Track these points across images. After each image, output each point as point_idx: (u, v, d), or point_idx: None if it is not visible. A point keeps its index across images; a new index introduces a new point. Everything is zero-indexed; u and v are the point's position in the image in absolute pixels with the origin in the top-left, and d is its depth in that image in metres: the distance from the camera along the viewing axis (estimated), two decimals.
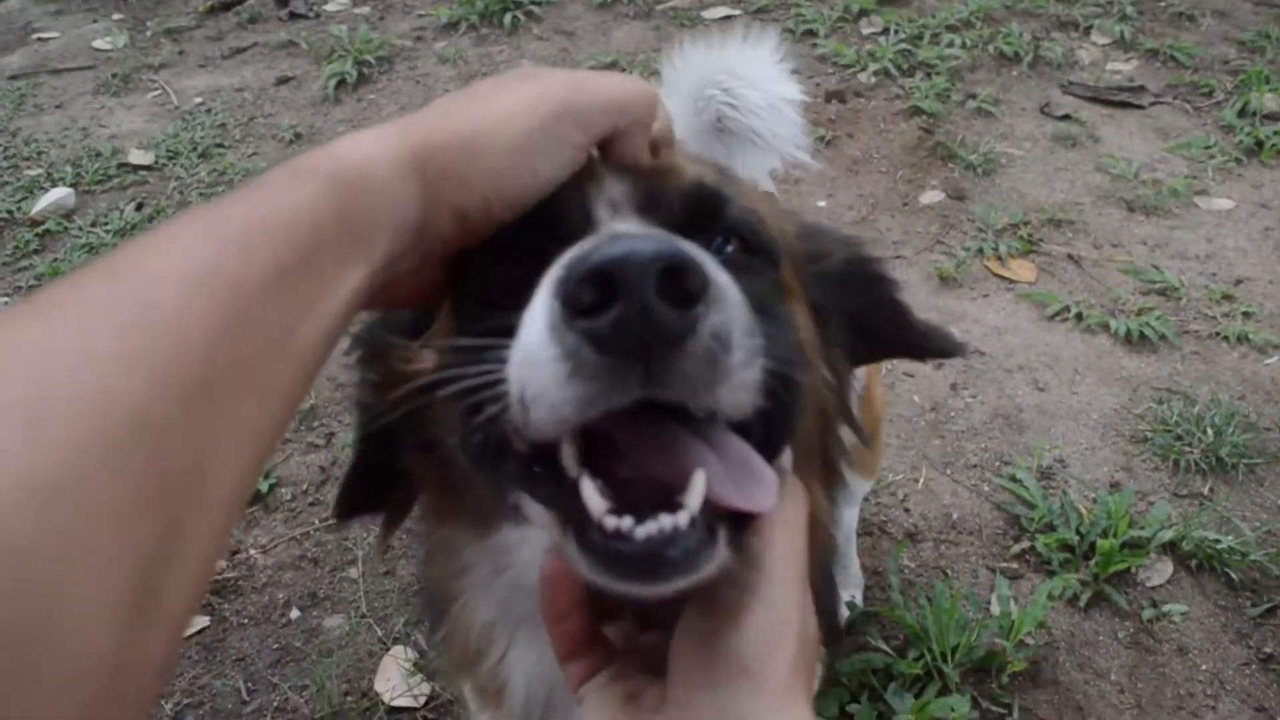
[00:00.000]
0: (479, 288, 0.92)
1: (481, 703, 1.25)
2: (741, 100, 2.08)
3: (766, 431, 0.85)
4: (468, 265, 0.92)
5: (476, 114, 0.85)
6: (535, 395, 0.73)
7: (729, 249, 0.96)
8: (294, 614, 2.67)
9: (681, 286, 0.69)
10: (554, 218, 0.90)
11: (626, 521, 0.74)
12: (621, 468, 0.79)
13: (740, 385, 0.74)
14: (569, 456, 0.79)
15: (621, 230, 0.79)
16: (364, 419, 1.12)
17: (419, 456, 1.06)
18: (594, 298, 0.69)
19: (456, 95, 0.89)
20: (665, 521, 0.74)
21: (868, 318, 1.19)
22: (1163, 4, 5.95)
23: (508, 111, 0.85)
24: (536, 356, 0.72)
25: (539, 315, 0.74)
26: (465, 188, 0.83)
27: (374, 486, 1.16)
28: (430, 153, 0.81)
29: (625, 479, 0.79)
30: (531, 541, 0.99)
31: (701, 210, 0.95)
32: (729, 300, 0.73)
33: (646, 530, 0.74)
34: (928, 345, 1.28)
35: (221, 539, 0.63)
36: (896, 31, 5.43)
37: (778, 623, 0.83)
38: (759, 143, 2.12)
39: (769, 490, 0.79)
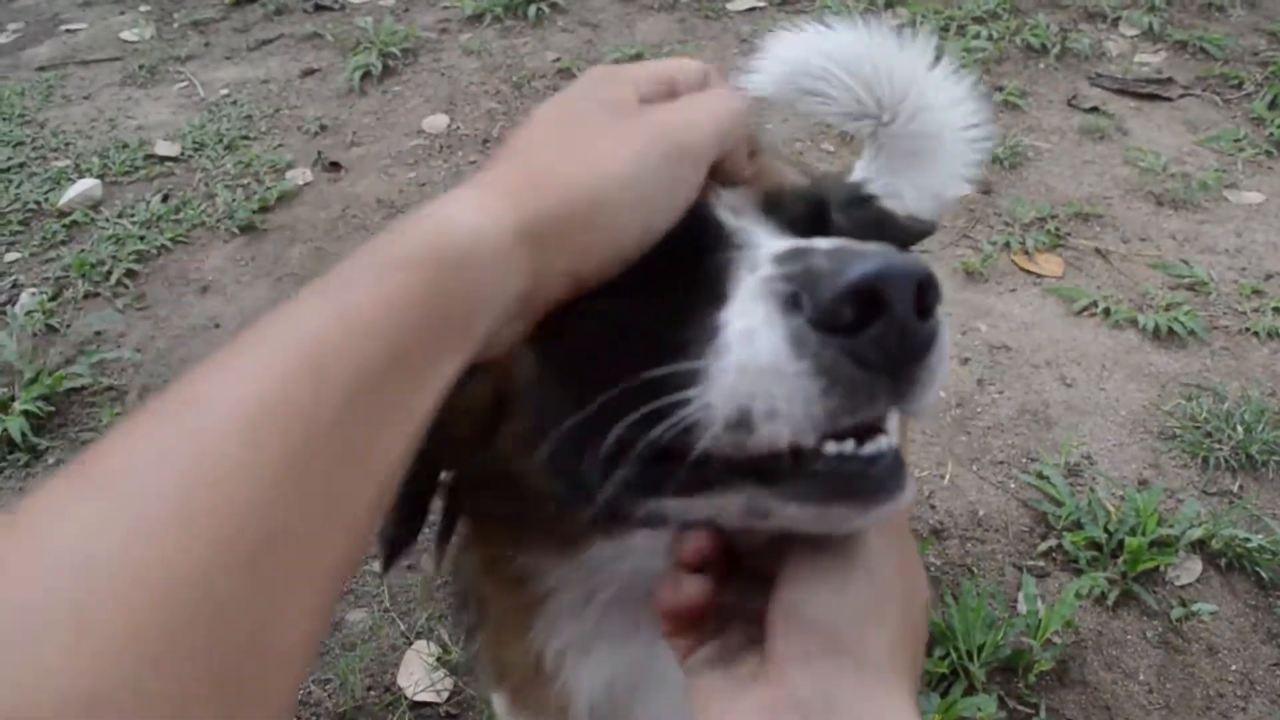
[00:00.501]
0: (598, 312, 0.86)
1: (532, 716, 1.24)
2: (925, 125, 1.94)
3: None
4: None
5: (589, 174, 0.79)
6: (772, 411, 0.73)
7: None
8: None
9: (926, 300, 0.71)
10: (682, 232, 0.87)
11: (849, 445, 0.76)
12: None
13: (940, 385, 0.78)
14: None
15: (854, 245, 0.77)
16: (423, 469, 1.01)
17: (487, 492, 1.04)
18: (854, 315, 0.70)
19: (551, 138, 0.84)
20: (882, 442, 0.77)
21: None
22: None
23: (623, 168, 0.80)
24: (777, 371, 0.72)
25: (768, 331, 0.73)
26: (584, 255, 0.79)
27: (412, 523, 1.11)
28: (545, 225, 0.75)
29: None
30: (635, 551, 0.98)
31: (816, 212, 0.98)
32: (944, 313, 0.76)
33: (869, 450, 0.76)
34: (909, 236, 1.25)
35: (291, 692, 0.58)
36: (923, 23, 5.39)
37: (878, 598, 0.81)
38: (931, 167, 1.99)
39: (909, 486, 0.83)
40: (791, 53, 1.96)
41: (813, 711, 0.75)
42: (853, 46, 1.94)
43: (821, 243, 0.79)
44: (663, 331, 0.82)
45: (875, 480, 0.77)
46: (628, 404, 0.80)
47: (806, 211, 0.96)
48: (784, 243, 0.83)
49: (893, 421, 0.80)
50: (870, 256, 0.71)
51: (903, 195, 1.94)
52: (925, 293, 0.71)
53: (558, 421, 0.86)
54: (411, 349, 0.65)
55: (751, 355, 0.74)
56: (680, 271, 0.85)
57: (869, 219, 1.14)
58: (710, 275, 0.83)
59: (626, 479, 0.84)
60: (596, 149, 0.81)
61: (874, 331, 0.70)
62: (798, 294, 0.73)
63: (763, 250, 0.82)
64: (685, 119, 0.86)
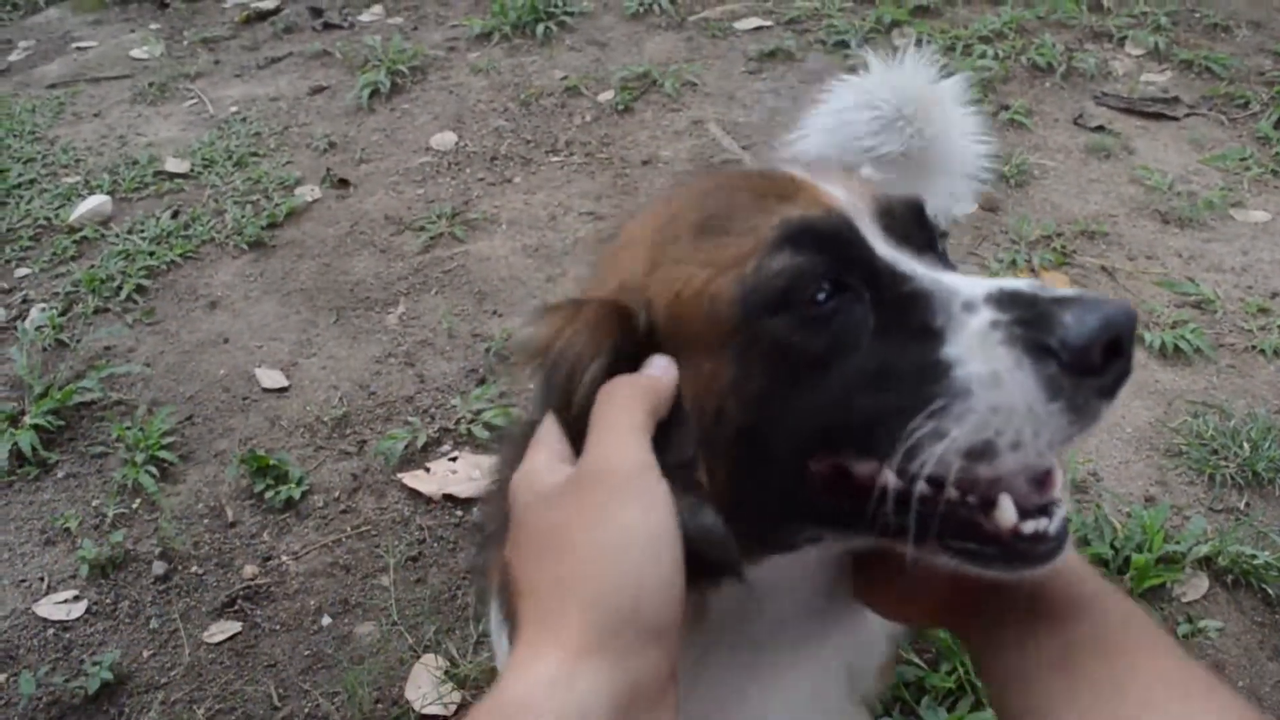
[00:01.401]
0: (792, 338, 0.94)
1: None
2: (939, 132, 2.07)
3: None
4: (756, 315, 0.95)
5: (611, 569, 0.83)
6: (1017, 443, 0.85)
7: (943, 249, 1.10)
8: (325, 621, 2.68)
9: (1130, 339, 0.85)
10: (838, 241, 0.97)
11: (1043, 523, 0.91)
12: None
13: None
14: (1009, 511, 0.92)
15: (1069, 294, 0.87)
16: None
17: None
18: (1101, 359, 0.82)
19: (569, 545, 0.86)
20: (1063, 512, 0.94)
21: None
22: (1197, 15, 5.90)
23: (609, 535, 0.85)
24: (1030, 411, 0.84)
25: (1017, 375, 0.84)
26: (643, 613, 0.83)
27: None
28: (601, 644, 0.81)
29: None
30: (787, 571, 1.07)
31: (924, 221, 1.08)
32: None
33: (1057, 526, 0.92)
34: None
35: None
36: (929, 43, 5.41)
37: None
38: (947, 173, 2.12)
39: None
40: (834, 116, 2.08)
41: None
42: (885, 88, 2.05)
43: (1023, 287, 0.89)
44: (862, 365, 0.92)
45: (1053, 551, 0.93)
46: (839, 442, 0.93)
47: (911, 219, 1.06)
48: (976, 284, 0.92)
49: (1062, 486, 0.95)
50: (1096, 305, 0.83)
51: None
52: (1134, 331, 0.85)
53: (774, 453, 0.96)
54: None
55: (1004, 398, 0.85)
56: (863, 296, 0.95)
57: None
58: (900, 309, 0.93)
59: (818, 507, 0.98)
60: (575, 539, 0.86)
61: (1116, 370, 0.84)
62: (1040, 344, 0.84)
63: (962, 293, 0.91)
64: (599, 454, 0.90)
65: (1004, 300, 0.87)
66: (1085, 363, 0.82)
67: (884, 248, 0.98)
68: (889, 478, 0.89)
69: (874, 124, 2.04)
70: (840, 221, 0.97)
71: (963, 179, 2.12)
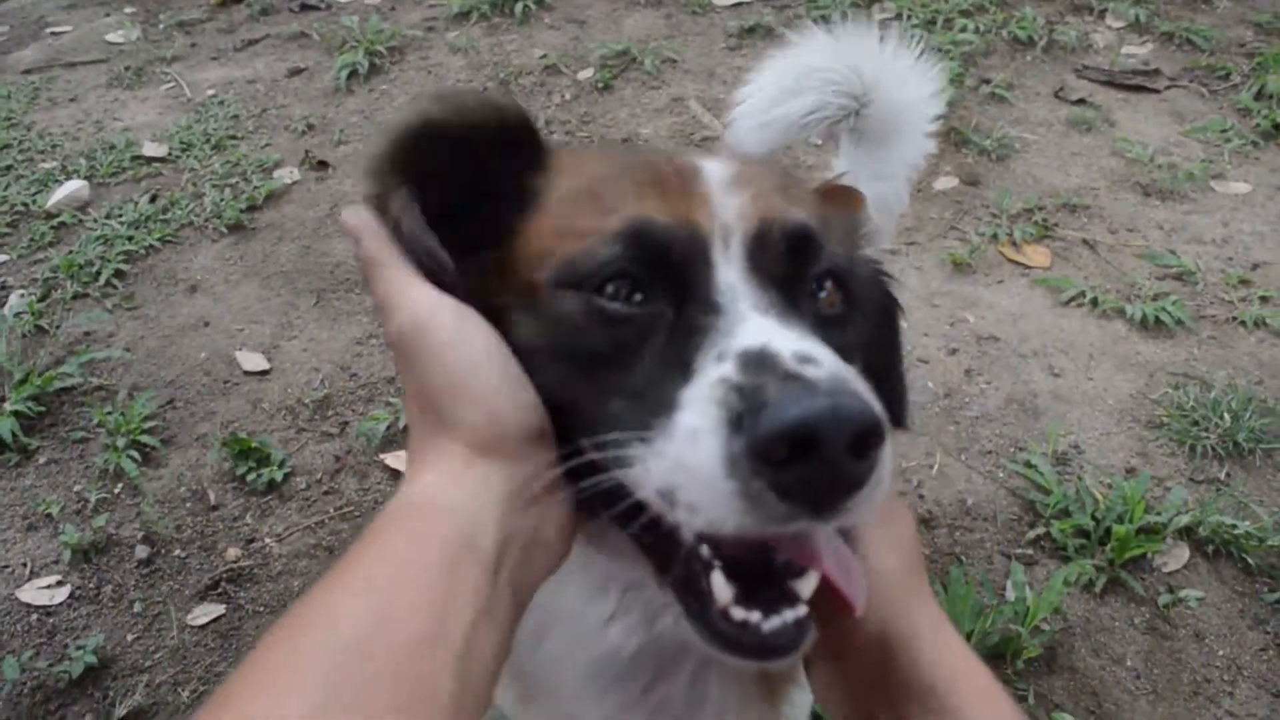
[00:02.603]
0: (576, 321, 0.95)
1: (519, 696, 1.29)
2: (886, 102, 2.05)
3: None
4: (556, 284, 0.96)
5: (466, 391, 0.91)
6: (692, 505, 0.80)
7: (823, 293, 1.02)
8: None
9: (866, 442, 0.76)
10: (670, 254, 0.95)
11: (755, 615, 0.85)
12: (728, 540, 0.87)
13: (874, 504, 0.82)
14: (702, 547, 0.88)
15: (796, 367, 0.81)
16: None
17: None
18: (785, 454, 0.75)
19: (427, 390, 0.93)
20: (788, 616, 0.86)
21: (868, 332, 1.23)
22: None
23: (488, 381, 0.91)
24: (706, 481, 0.79)
25: (708, 440, 0.79)
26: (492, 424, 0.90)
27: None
28: (483, 446, 0.89)
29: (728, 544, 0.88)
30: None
31: (804, 254, 1.00)
32: (887, 447, 0.80)
33: (771, 625, 0.85)
34: (895, 394, 1.30)
35: None
36: (909, 17, 5.40)
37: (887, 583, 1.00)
38: (894, 145, 2.11)
39: (863, 593, 0.91)
40: (771, 81, 2.09)
41: None
42: (824, 52, 2.05)
43: (786, 353, 0.83)
44: (631, 378, 0.90)
45: (767, 649, 0.86)
46: (584, 434, 0.91)
47: (793, 252, 0.99)
48: (755, 334, 0.86)
49: (809, 587, 0.88)
50: (816, 397, 0.76)
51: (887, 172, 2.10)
52: (863, 439, 0.76)
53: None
54: (436, 598, 0.78)
55: (690, 456, 0.80)
56: (665, 314, 0.94)
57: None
58: (685, 337, 0.90)
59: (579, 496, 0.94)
60: (429, 386, 0.93)
61: (801, 470, 0.75)
62: (742, 417, 0.77)
63: (734, 340, 0.86)
64: (404, 314, 0.94)
65: (749, 360, 0.82)
66: (766, 452, 0.75)
67: (731, 276, 0.94)
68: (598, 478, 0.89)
69: (812, 91, 2.04)
70: (682, 235, 0.95)
71: (916, 138, 2.12)
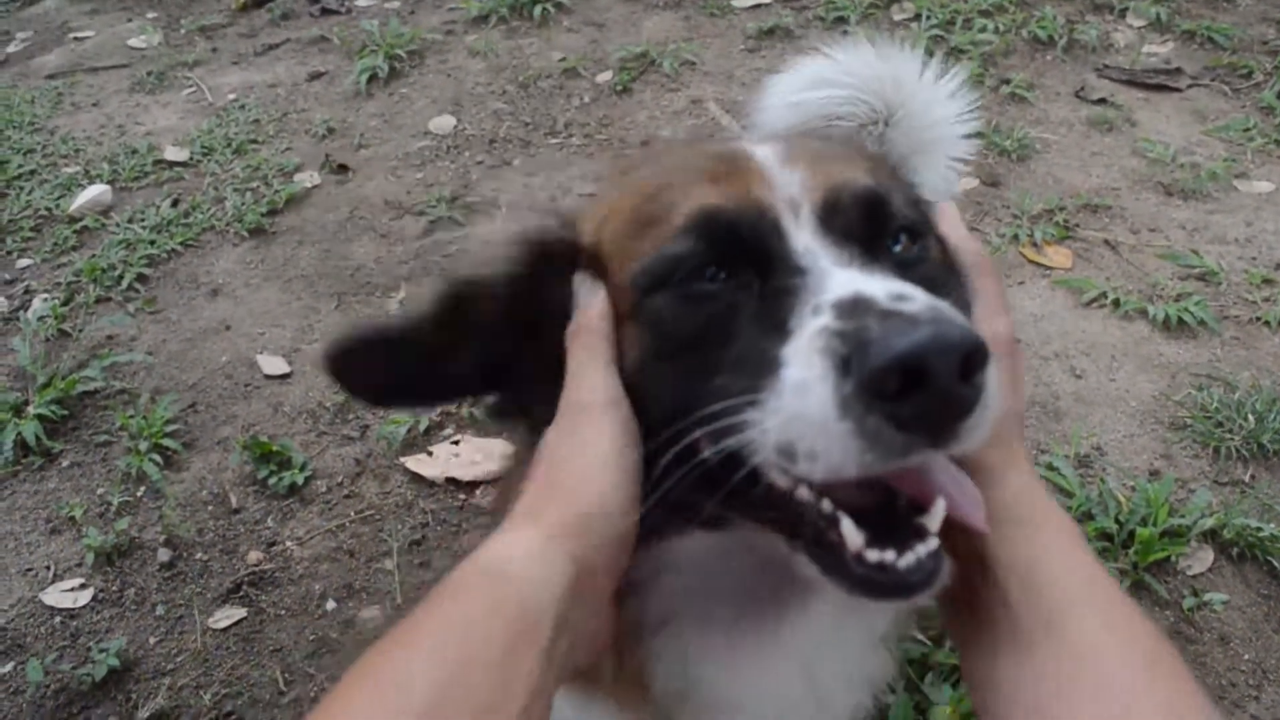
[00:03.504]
0: (669, 314, 0.99)
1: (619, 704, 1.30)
2: (913, 120, 2.08)
3: None
4: (644, 292, 1.01)
5: (582, 480, 0.99)
6: (812, 453, 0.82)
7: (898, 246, 1.05)
8: (330, 605, 2.69)
9: (971, 365, 0.78)
10: (741, 232, 0.98)
11: (889, 554, 0.87)
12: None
13: (988, 425, 0.84)
14: (824, 501, 0.90)
15: (898, 303, 0.82)
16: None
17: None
18: (899, 385, 0.76)
19: (556, 461, 1.03)
20: (921, 551, 0.87)
21: None
22: None
23: (610, 475, 0.99)
24: (822, 425, 0.81)
25: (820, 387, 0.81)
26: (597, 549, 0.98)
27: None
28: (564, 520, 0.97)
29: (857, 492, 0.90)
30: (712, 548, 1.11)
31: (875, 215, 1.03)
32: (990, 362, 0.82)
33: (906, 562, 0.87)
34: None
35: None
36: (928, 17, 5.38)
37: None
38: (916, 168, 2.12)
39: (982, 509, 0.93)
40: (800, 84, 2.11)
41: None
42: (854, 63, 2.07)
43: (880, 294, 0.84)
44: (733, 351, 0.93)
45: (906, 586, 0.88)
46: (694, 420, 0.92)
47: (863, 215, 1.02)
48: (845, 285, 0.88)
49: (938, 519, 0.89)
50: (919, 327, 0.77)
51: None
52: (969, 361, 0.78)
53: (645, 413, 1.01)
54: (499, 674, 0.84)
55: (804, 406, 0.82)
56: (752, 285, 0.96)
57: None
58: (775, 301, 0.92)
59: (673, 493, 0.97)
60: (560, 456, 1.03)
61: (916, 401, 0.77)
62: (849, 359, 0.79)
63: (826, 294, 0.88)
64: (580, 387, 1.05)
65: (845, 307, 0.84)
66: (877, 387, 0.77)
67: (806, 239, 0.97)
68: (708, 452, 0.91)
69: (847, 87, 2.06)
70: (751, 212, 0.98)
71: (943, 161, 2.13)
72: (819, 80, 2.08)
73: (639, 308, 1.01)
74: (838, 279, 0.90)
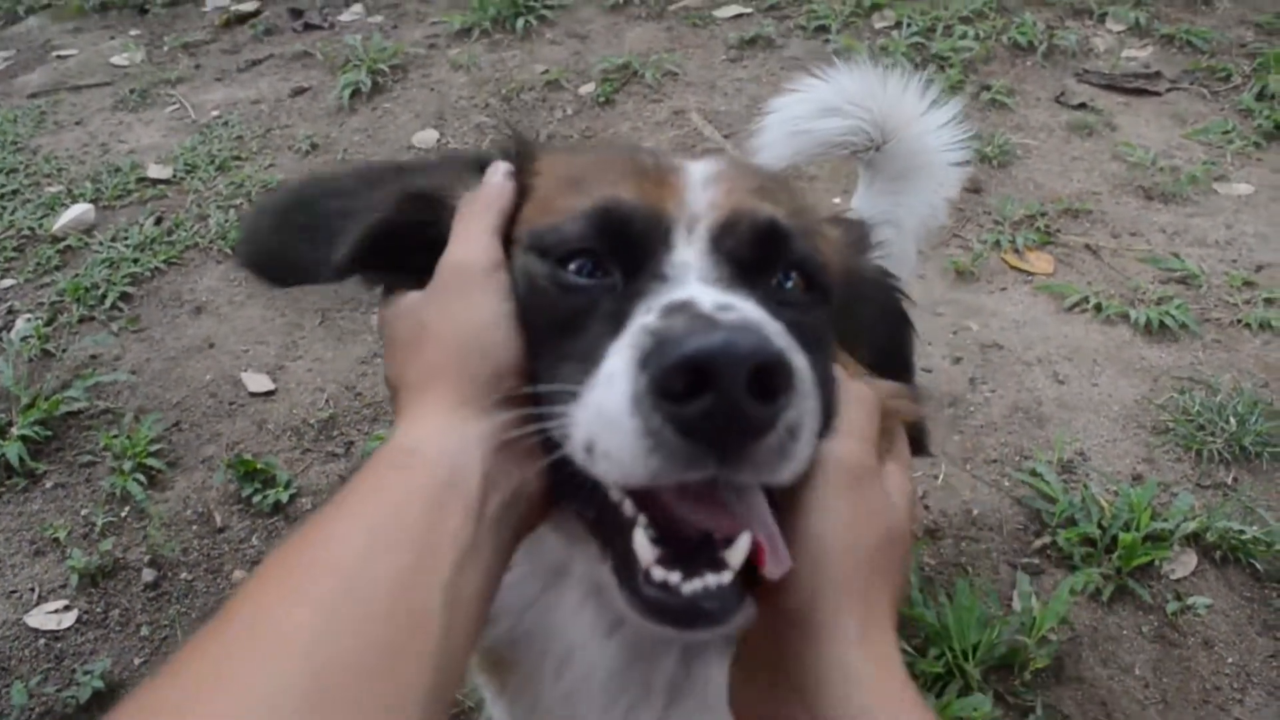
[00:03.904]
0: (538, 287, 1.00)
1: (493, 681, 1.31)
2: (905, 144, 2.09)
3: None
4: (528, 247, 1.03)
5: (480, 339, 0.97)
6: (606, 452, 0.81)
7: (789, 284, 1.03)
8: None
9: (769, 382, 0.75)
10: (630, 230, 0.99)
11: (675, 575, 0.83)
12: (663, 508, 0.87)
13: (797, 462, 0.82)
14: (626, 502, 0.88)
15: (710, 308, 0.82)
16: None
17: None
18: (683, 386, 0.74)
19: (442, 325, 0.99)
20: (710, 580, 0.83)
21: (880, 332, 1.26)
22: None
23: (499, 337, 0.97)
24: (615, 421, 0.79)
25: (620, 380, 0.80)
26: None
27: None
28: (477, 393, 0.93)
29: (670, 519, 0.87)
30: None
31: (770, 246, 1.02)
32: (805, 392, 0.80)
33: (693, 587, 0.83)
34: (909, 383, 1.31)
35: None
36: (909, 25, 5.40)
37: (824, 560, 0.90)
38: (906, 191, 2.14)
39: (784, 562, 0.87)
40: (796, 110, 2.13)
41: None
42: (851, 89, 2.07)
43: (706, 302, 0.84)
44: (577, 342, 0.93)
45: (693, 613, 0.83)
46: (530, 395, 0.93)
47: (757, 243, 1.01)
48: (681, 292, 0.88)
49: (740, 553, 0.84)
50: (717, 330, 0.76)
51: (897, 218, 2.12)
52: (765, 376, 0.75)
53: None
54: (420, 534, 0.82)
55: (603, 400, 0.81)
56: (615, 276, 0.97)
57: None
58: (627, 302, 0.92)
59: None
60: (443, 329, 1.00)
61: (701, 405, 0.74)
62: (649, 354, 0.78)
63: (663, 297, 0.88)
64: (461, 251, 1.04)
65: (671, 309, 0.83)
66: (664, 385, 0.75)
67: (688, 255, 0.97)
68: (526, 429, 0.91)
69: (850, 117, 2.08)
70: (648, 216, 0.99)
71: (932, 188, 2.15)
72: (825, 110, 2.10)
73: (517, 256, 1.03)
74: (688, 288, 0.90)
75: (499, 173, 1.11)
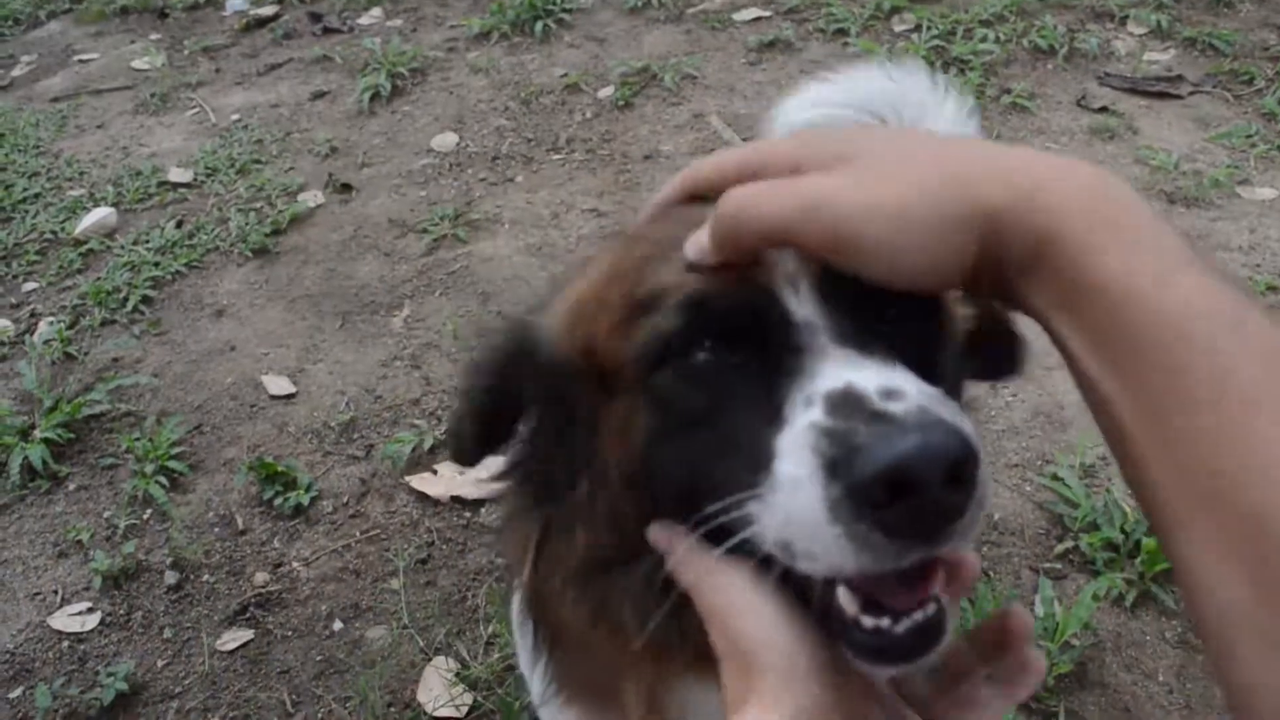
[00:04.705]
0: (670, 392, 0.96)
1: None
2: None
3: None
4: (645, 370, 0.98)
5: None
6: (808, 552, 0.81)
7: (894, 310, 0.97)
8: (337, 626, 2.69)
9: (963, 473, 0.76)
10: (741, 317, 0.95)
11: (885, 621, 0.85)
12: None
13: (979, 522, 0.82)
14: (846, 599, 0.88)
15: (877, 402, 0.81)
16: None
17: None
18: (887, 494, 0.75)
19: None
20: (918, 617, 0.85)
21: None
22: None
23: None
24: (814, 529, 0.80)
25: (809, 488, 0.80)
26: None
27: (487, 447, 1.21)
28: None
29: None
30: None
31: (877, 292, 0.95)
32: (983, 464, 0.80)
33: (904, 627, 0.85)
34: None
35: None
36: (929, 28, 5.39)
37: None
38: None
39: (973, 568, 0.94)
40: (812, 104, 2.11)
41: None
42: (862, 85, 2.06)
43: (871, 390, 0.82)
44: (733, 434, 0.91)
45: (903, 650, 0.85)
46: (701, 515, 0.90)
47: (861, 287, 0.92)
48: (836, 375, 0.86)
49: (938, 587, 0.86)
50: (907, 435, 0.76)
51: None
52: (959, 469, 0.76)
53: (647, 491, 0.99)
54: None
55: (796, 508, 0.81)
56: (750, 363, 0.94)
57: None
58: (773, 381, 0.89)
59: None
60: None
61: (902, 509, 0.76)
62: (836, 463, 0.78)
63: (818, 382, 0.86)
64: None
65: (836, 402, 0.82)
66: (865, 494, 0.76)
67: (807, 313, 0.93)
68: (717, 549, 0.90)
69: (873, 113, 2.07)
70: (748, 293, 0.94)
71: None
72: (828, 105, 2.08)
73: (643, 387, 0.98)
74: (831, 364, 0.88)
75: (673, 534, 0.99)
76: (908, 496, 0.75)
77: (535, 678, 1.41)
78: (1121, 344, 0.76)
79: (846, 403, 0.82)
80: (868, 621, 0.86)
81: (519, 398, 1.14)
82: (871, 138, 0.95)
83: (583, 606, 1.14)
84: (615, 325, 1.02)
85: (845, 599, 0.87)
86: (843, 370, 0.86)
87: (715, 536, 0.90)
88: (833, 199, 0.83)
